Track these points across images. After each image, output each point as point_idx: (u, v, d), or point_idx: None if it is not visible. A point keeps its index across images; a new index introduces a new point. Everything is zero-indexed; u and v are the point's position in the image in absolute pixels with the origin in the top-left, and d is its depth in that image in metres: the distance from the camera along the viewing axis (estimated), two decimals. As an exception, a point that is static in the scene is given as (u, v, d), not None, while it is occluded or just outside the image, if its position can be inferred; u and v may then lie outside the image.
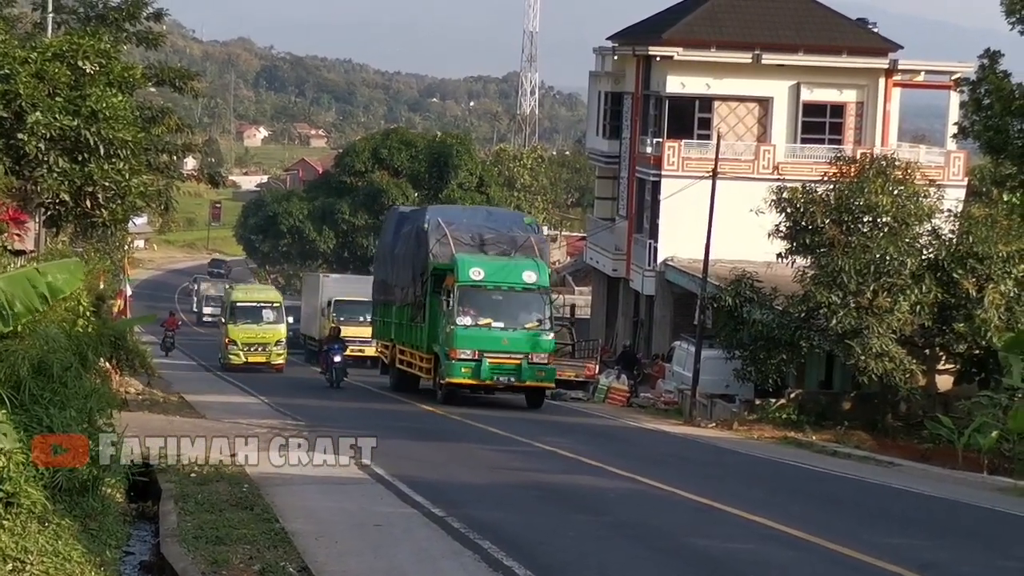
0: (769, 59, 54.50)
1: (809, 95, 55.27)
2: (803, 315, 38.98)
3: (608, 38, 62.31)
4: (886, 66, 55.35)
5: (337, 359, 45.24)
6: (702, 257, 43.25)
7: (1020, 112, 33.93)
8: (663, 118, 55.26)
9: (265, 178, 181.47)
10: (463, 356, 38.22)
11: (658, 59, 55.53)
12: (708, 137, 52.98)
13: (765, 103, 55.42)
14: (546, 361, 39.01)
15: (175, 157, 45.35)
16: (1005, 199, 40.33)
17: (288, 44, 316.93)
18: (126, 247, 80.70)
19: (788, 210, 39.88)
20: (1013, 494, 25.53)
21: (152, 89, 49.05)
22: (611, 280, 62.04)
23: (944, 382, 41.01)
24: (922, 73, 57.21)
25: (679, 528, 18.94)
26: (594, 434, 33.96)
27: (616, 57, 60.22)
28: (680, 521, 19.71)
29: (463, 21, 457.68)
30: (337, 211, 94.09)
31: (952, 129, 43.75)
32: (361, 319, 57.06)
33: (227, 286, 64.69)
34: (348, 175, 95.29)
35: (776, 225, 40.28)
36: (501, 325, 38.53)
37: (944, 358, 40.61)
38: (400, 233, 45.13)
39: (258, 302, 56.44)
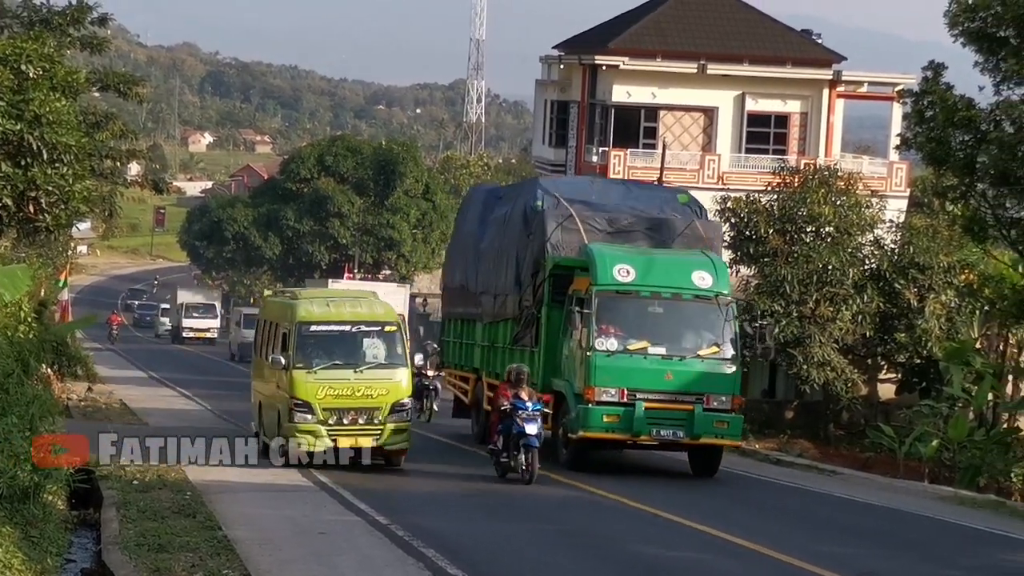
0: (714, 69, 54.65)
1: (754, 105, 55.49)
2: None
3: (554, 47, 62.34)
4: (830, 77, 55.61)
5: (532, 430, 24.11)
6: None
7: (963, 124, 34.11)
8: (609, 127, 55.32)
9: (210, 184, 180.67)
10: (605, 398, 25.87)
11: (604, 68, 55.62)
12: (653, 146, 53.11)
13: (710, 113, 55.58)
14: (729, 407, 26.31)
15: (119, 163, 45.17)
16: (948, 210, 40.66)
17: (234, 50, 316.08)
18: (69, 252, 74.31)
19: (732, 220, 40.07)
20: (953, 502, 25.72)
21: (96, 94, 48.77)
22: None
23: (886, 391, 41.32)
24: (865, 84, 57.53)
25: (623, 536, 18.98)
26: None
27: (562, 66, 60.25)
28: (624, 529, 19.76)
29: (410, 29, 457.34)
30: (282, 218, 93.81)
31: (895, 140, 44.00)
32: None
33: (271, 292, 35.49)
34: (293, 182, 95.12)
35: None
36: (662, 351, 26.25)
37: (885, 367, 40.91)
38: (490, 219, 32.74)
39: (355, 324, 26.60)
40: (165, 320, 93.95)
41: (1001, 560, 19.29)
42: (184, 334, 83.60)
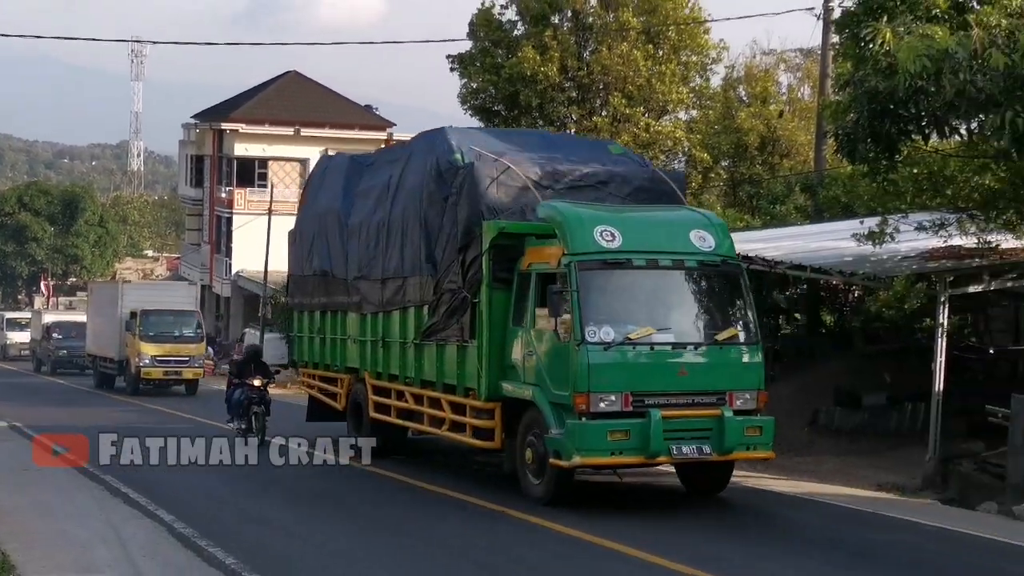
0: (306, 132, 54.44)
1: (334, 157, 55.37)
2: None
3: (192, 116, 60.73)
4: (384, 137, 56.14)
5: None
6: (263, 269, 42.78)
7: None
8: (233, 173, 54.36)
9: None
10: (604, 407, 13.08)
11: (228, 131, 54.54)
12: (265, 186, 52.34)
13: (304, 162, 54.98)
14: (755, 406, 13.69)
15: None
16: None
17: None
18: None
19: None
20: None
21: None
22: (201, 287, 60.47)
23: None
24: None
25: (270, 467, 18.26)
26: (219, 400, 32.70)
27: (198, 130, 58.67)
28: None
29: (87, 101, 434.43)
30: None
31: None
32: (176, 334, 35.54)
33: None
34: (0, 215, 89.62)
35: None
36: (671, 339, 13.63)
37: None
38: (358, 191, 19.38)
39: None
40: None
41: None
42: (9, 352, 61.75)
